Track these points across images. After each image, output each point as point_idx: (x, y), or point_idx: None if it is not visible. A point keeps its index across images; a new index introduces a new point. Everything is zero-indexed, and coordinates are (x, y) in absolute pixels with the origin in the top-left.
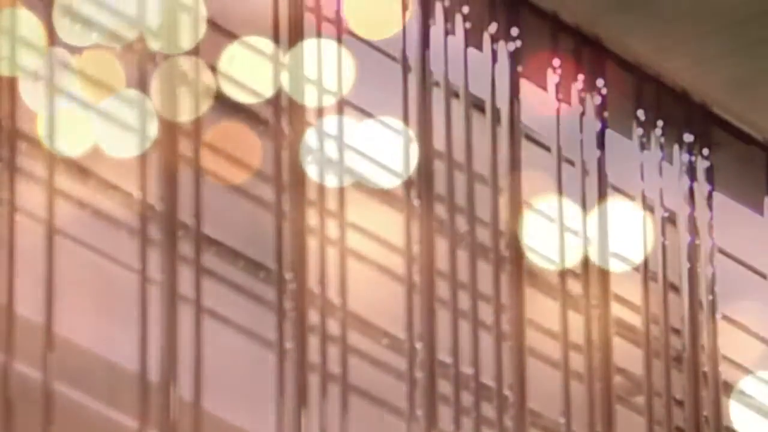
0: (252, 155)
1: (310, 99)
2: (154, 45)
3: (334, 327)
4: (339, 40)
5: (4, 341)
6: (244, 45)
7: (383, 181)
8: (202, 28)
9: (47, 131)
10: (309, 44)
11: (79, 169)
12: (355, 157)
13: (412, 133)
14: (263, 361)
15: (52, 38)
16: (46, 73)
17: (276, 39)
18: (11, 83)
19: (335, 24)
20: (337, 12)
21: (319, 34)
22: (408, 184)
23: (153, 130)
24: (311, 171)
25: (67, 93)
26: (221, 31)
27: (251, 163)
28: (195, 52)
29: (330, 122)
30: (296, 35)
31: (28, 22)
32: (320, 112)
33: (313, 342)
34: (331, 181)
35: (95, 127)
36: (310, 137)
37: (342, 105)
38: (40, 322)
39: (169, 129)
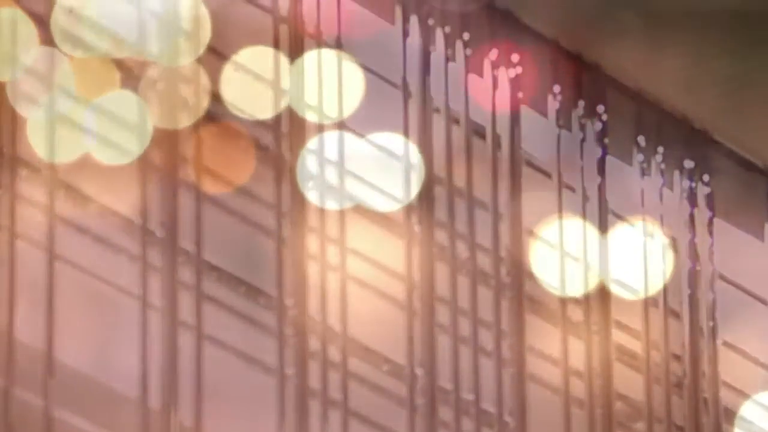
0: (252, 181)
1: (310, 124)
2: (153, 69)
3: (334, 353)
4: (339, 65)
5: (5, 367)
6: (243, 69)
7: (384, 206)
8: (203, 47)
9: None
10: (309, 69)
11: (80, 195)
12: (356, 182)
13: (412, 158)
14: (264, 387)
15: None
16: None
17: (276, 63)
18: (12, 108)
19: (336, 50)
20: (338, 38)
21: (319, 60)
22: (408, 209)
23: (153, 155)
24: (312, 196)
25: (61, 105)
26: (220, 56)
27: (252, 188)
28: (195, 75)
29: (330, 147)
30: (297, 62)
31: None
32: (320, 137)
33: (314, 368)
34: (332, 207)
35: (93, 149)
36: (310, 162)
37: (342, 130)
38: (40, 348)
39: (170, 155)
